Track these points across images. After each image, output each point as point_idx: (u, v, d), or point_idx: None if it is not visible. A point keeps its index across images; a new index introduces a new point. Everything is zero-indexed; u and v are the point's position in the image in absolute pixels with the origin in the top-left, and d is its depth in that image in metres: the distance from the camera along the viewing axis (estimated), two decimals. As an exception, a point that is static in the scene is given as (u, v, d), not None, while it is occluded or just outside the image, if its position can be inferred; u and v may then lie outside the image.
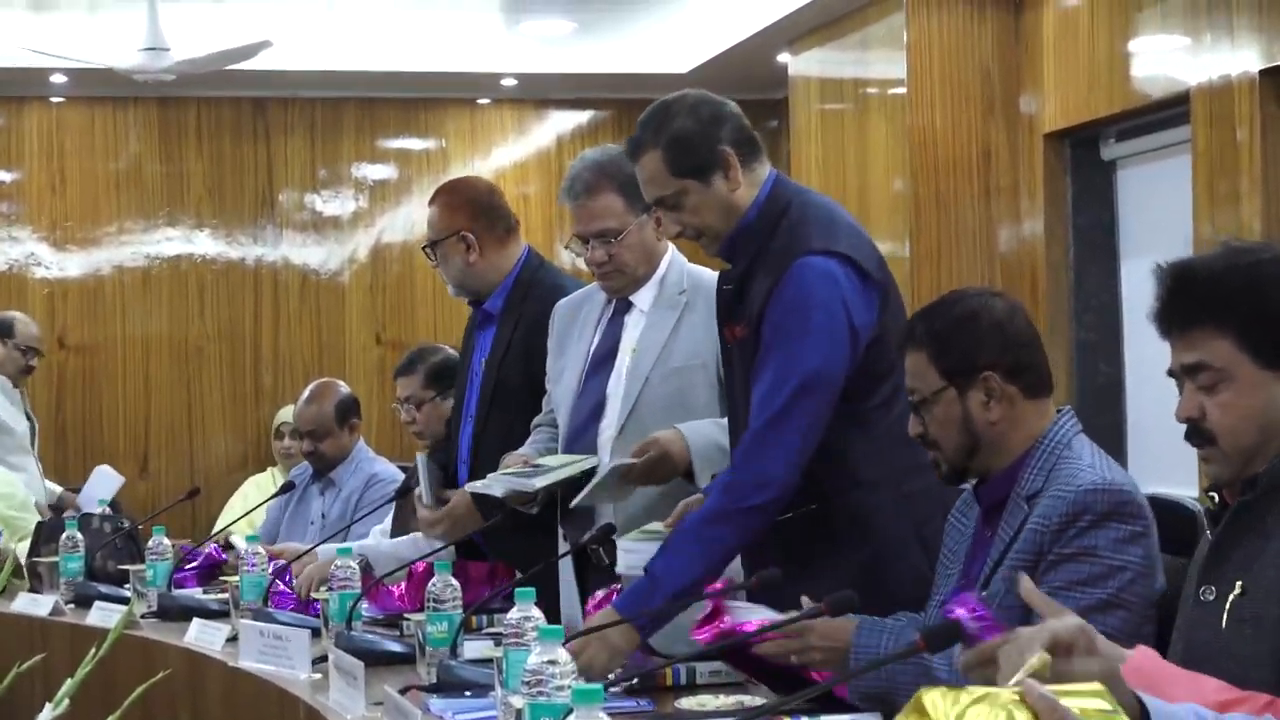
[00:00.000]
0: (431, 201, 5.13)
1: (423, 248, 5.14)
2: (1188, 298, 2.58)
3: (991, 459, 3.28)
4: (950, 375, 3.26)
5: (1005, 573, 3.14)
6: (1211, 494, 2.67)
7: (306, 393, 6.60)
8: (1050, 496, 3.14)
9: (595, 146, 4.57)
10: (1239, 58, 6.23)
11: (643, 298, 4.40)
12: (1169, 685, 2.28)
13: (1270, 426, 2.55)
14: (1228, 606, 2.55)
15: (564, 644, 2.78)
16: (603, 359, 4.41)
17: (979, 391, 3.25)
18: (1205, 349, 2.56)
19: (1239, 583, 2.54)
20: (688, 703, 3.30)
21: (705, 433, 4.08)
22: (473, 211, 5.00)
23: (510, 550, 4.59)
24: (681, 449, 4.04)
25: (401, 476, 6.20)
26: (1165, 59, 6.72)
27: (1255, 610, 2.51)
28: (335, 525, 6.31)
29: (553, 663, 2.58)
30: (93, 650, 3.14)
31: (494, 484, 4.34)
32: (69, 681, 3.12)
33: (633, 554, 3.92)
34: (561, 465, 4.30)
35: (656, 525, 3.99)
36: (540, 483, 4.22)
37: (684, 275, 4.39)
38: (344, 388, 6.73)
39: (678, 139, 3.76)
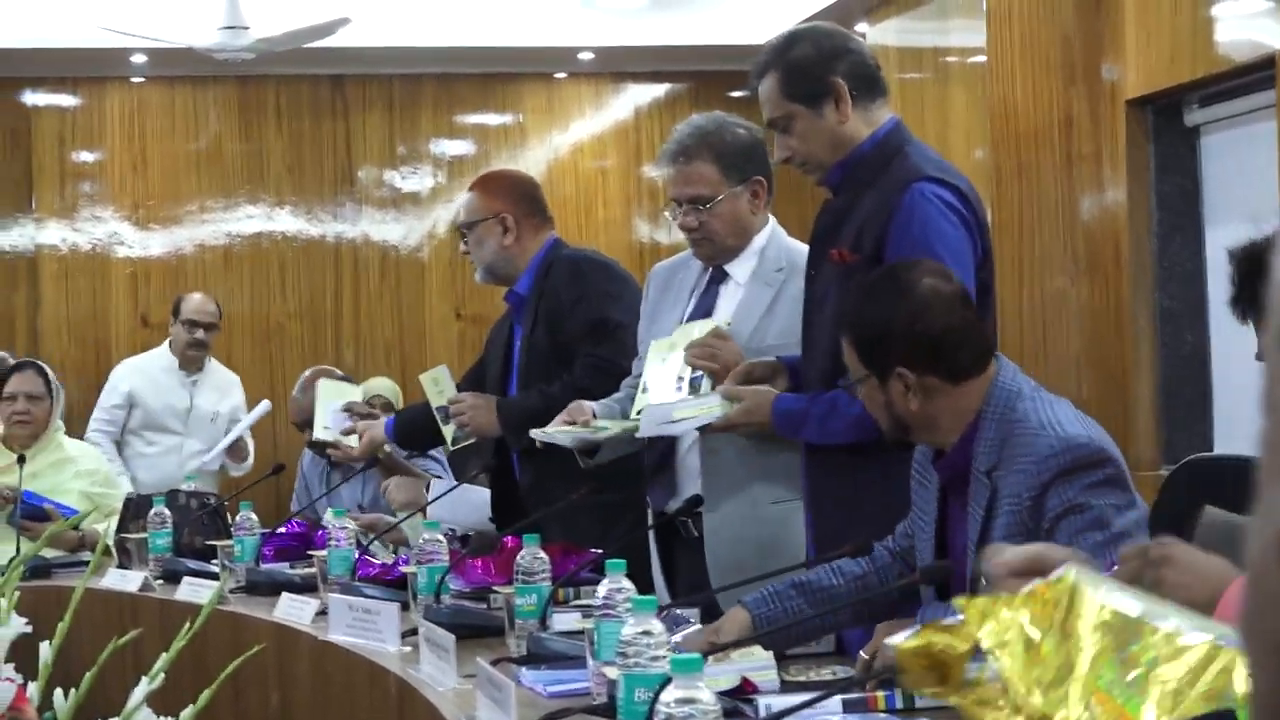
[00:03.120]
0: (470, 189, 5.27)
1: (457, 228, 5.29)
2: (1255, 280, 2.57)
3: (928, 435, 3.36)
4: (869, 363, 3.35)
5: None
6: None
7: (297, 385, 6.67)
8: (1014, 474, 3.19)
9: (703, 113, 4.56)
10: (1325, 21, 6.16)
11: (739, 269, 4.39)
12: None
13: None
14: None
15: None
16: (697, 328, 4.41)
17: (897, 383, 3.31)
18: None
19: None
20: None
21: None
22: (514, 197, 5.17)
23: (583, 531, 4.60)
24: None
25: None
26: (1249, 23, 6.65)
27: None
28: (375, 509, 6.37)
29: (647, 633, 2.58)
30: (187, 625, 3.17)
31: (561, 435, 4.35)
32: (164, 655, 3.15)
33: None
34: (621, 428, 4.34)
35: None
36: (605, 434, 4.26)
37: (783, 252, 4.38)
38: (330, 371, 6.81)
39: (795, 64, 3.89)
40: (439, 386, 5.24)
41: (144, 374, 8.39)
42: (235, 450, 8.32)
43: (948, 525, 3.39)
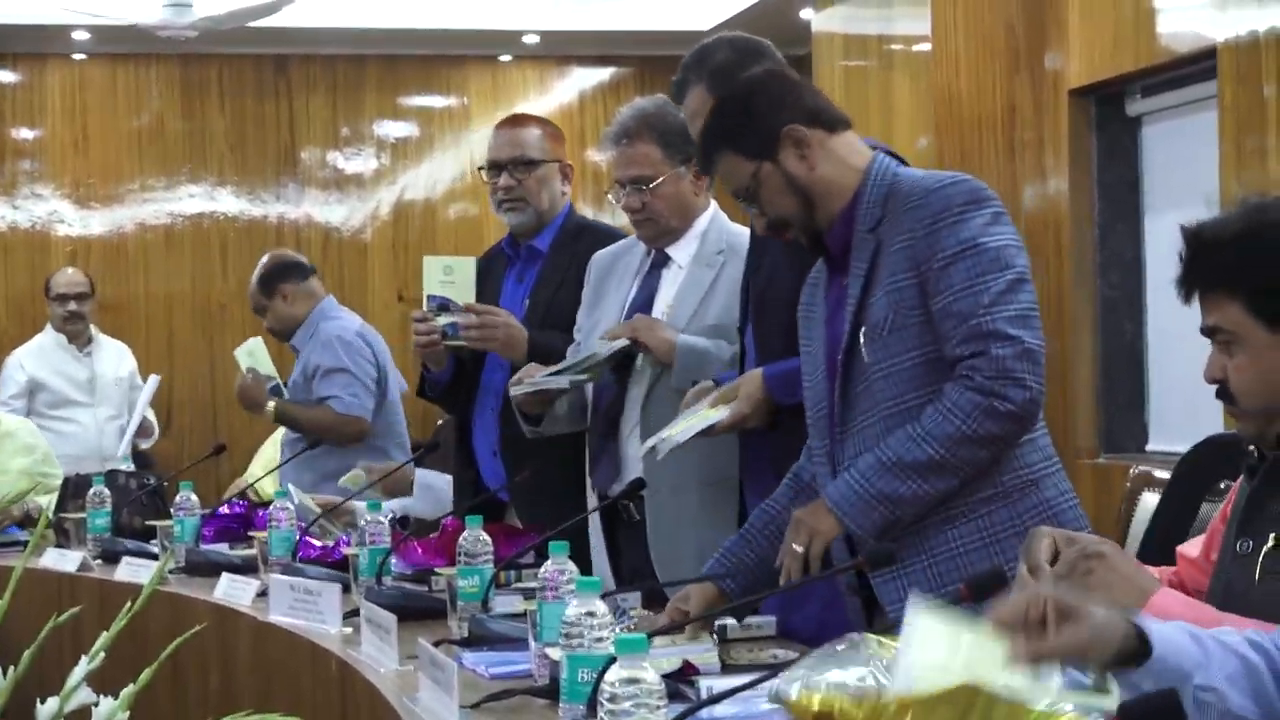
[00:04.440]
0: (519, 123, 5.13)
1: (507, 162, 5.02)
2: (1200, 263, 2.59)
3: (830, 204, 3.38)
4: (758, 154, 3.38)
5: (886, 296, 3.27)
6: (1251, 447, 2.68)
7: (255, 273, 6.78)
8: (902, 213, 3.27)
9: (646, 96, 4.56)
10: (1267, 13, 6.19)
11: (681, 252, 4.40)
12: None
13: None
14: (1261, 558, 2.56)
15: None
16: (638, 311, 4.40)
17: (789, 150, 3.37)
18: (1219, 313, 2.57)
19: (1272, 535, 2.55)
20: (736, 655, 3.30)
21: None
22: (565, 150, 5.09)
23: (538, 512, 4.60)
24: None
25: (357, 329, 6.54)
26: (1191, 14, 6.69)
27: None
28: (293, 390, 6.60)
29: (591, 614, 2.58)
30: (128, 604, 3.15)
31: (559, 378, 4.29)
32: (104, 635, 3.13)
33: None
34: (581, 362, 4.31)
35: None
36: (587, 367, 4.25)
37: (723, 235, 4.39)
38: (279, 255, 6.87)
39: (720, 69, 3.94)
40: (451, 277, 4.89)
41: (38, 356, 8.41)
42: (141, 431, 8.38)
43: (835, 308, 3.42)
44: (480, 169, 5.16)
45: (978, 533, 3.27)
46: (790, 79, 3.50)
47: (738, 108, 3.43)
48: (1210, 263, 2.57)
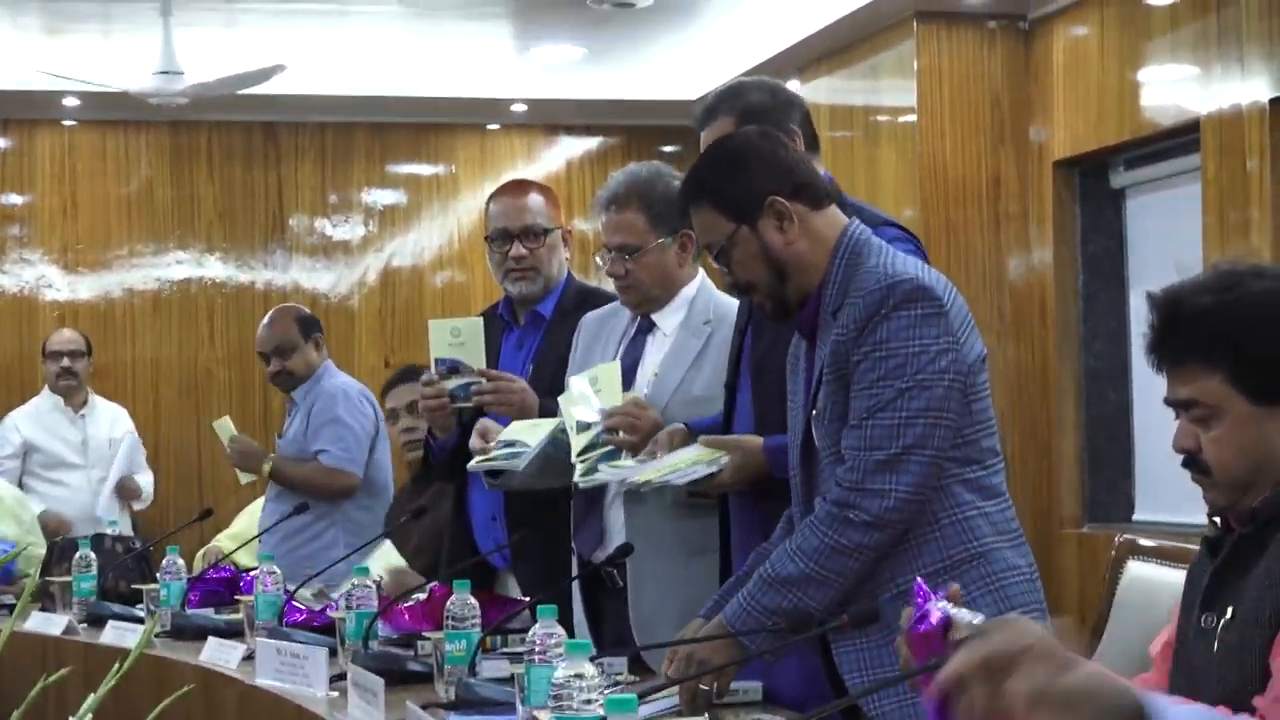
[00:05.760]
0: (523, 190, 5.10)
1: (519, 231, 4.96)
2: (1176, 335, 2.55)
3: (802, 276, 3.38)
4: (738, 216, 3.38)
5: (827, 386, 3.28)
6: (1215, 520, 2.65)
7: (265, 319, 6.82)
8: (846, 307, 3.27)
9: (641, 162, 4.57)
10: (1249, 87, 6.25)
11: (667, 320, 4.40)
12: None
13: (1264, 459, 2.52)
14: (1219, 631, 2.53)
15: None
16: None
17: (769, 219, 3.36)
18: (1196, 386, 2.54)
19: (1230, 608, 2.52)
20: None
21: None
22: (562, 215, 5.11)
23: (538, 578, 4.59)
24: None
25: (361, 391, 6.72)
26: (1175, 88, 6.75)
27: (1240, 633, 2.48)
28: (291, 443, 6.68)
29: (579, 676, 2.59)
30: (116, 666, 3.15)
31: (519, 461, 4.32)
32: (91, 697, 3.13)
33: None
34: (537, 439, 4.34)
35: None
36: (529, 456, 4.28)
37: (711, 304, 4.38)
38: (303, 308, 6.98)
39: (754, 108, 3.90)
40: (460, 339, 4.78)
41: (33, 418, 8.47)
42: (126, 491, 8.41)
43: (809, 380, 3.41)
44: (487, 238, 5.10)
45: None
46: (783, 144, 3.46)
47: (726, 161, 3.42)
48: (1187, 334, 2.54)
